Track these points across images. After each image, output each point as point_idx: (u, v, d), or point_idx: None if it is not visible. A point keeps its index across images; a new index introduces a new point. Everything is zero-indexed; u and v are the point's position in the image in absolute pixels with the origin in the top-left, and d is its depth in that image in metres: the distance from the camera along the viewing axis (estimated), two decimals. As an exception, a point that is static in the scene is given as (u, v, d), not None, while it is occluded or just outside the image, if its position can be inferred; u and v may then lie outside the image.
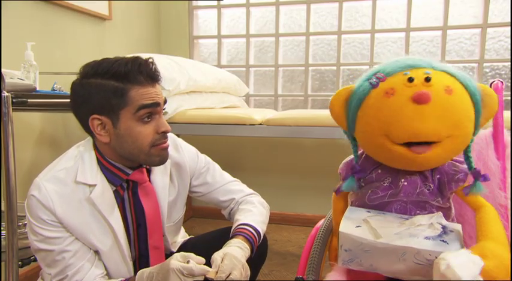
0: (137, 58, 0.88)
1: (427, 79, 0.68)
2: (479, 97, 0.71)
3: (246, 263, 0.89)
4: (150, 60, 0.90)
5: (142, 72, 0.87)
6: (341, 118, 0.80)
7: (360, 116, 0.75)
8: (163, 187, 1.02)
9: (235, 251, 0.88)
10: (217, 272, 0.82)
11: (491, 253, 0.59)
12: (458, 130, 0.69)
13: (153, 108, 0.89)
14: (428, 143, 0.68)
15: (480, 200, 0.74)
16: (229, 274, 0.82)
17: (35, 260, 1.18)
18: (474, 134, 0.74)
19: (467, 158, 0.75)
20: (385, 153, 0.74)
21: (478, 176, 0.72)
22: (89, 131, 0.90)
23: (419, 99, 0.66)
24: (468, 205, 0.75)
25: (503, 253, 0.60)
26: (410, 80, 0.68)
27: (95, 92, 0.85)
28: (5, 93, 1.00)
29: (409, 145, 0.69)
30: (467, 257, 0.56)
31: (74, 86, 0.89)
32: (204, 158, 1.14)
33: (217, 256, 0.86)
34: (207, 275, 0.79)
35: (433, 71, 0.70)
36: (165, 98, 0.94)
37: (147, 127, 0.89)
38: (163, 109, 0.94)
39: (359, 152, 0.85)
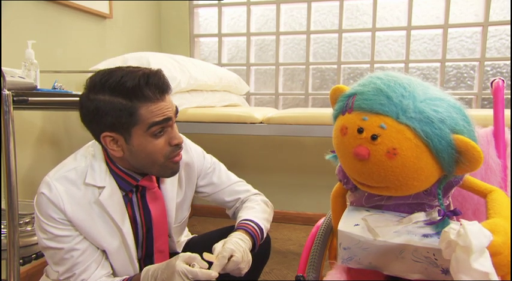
0: (145, 72, 0.84)
1: (373, 137, 0.65)
2: (450, 156, 0.63)
3: (248, 251, 0.89)
4: (159, 72, 0.87)
5: (151, 86, 0.83)
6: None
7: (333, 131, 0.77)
8: (172, 190, 1.02)
9: (236, 239, 0.89)
10: (218, 255, 0.82)
11: (504, 229, 0.59)
12: (396, 186, 0.67)
13: (165, 124, 0.87)
14: None
15: (489, 186, 0.74)
16: (232, 256, 0.83)
17: (36, 258, 1.18)
18: (448, 177, 0.70)
19: (438, 195, 0.71)
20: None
21: (446, 214, 0.69)
22: (101, 143, 0.89)
23: (357, 156, 0.67)
24: (477, 193, 0.75)
25: None
26: (359, 131, 0.67)
27: (105, 109, 0.83)
28: (5, 92, 1.00)
29: None
30: (480, 228, 0.56)
31: (83, 99, 0.86)
32: (210, 159, 1.14)
33: (218, 244, 0.87)
34: (212, 275, 0.80)
35: (392, 124, 0.64)
36: (176, 108, 0.92)
37: (159, 141, 0.87)
38: (176, 116, 0.92)
39: None
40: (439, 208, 0.74)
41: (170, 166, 0.91)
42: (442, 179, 0.70)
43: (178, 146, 0.91)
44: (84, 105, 0.85)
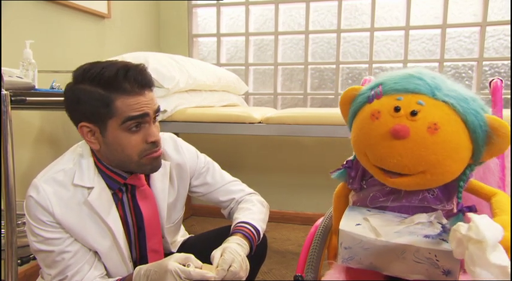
0: (126, 64, 0.85)
1: (413, 113, 0.64)
2: (483, 134, 0.65)
3: (246, 258, 0.89)
4: (141, 66, 0.87)
5: (130, 79, 0.83)
6: (345, 117, 0.81)
7: (353, 126, 0.76)
8: (163, 189, 1.01)
9: (234, 246, 0.89)
10: (217, 267, 0.82)
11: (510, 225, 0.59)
12: (434, 169, 0.66)
13: (141, 119, 0.86)
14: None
15: (493, 189, 0.74)
16: (230, 266, 0.82)
17: (34, 258, 1.18)
18: (474, 165, 0.70)
19: (458, 188, 0.71)
20: (366, 167, 0.75)
21: (463, 210, 0.69)
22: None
23: (396, 135, 0.64)
24: (481, 196, 0.74)
25: None
26: (397, 109, 0.65)
27: (84, 99, 0.83)
28: (3, 92, 1.00)
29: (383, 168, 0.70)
30: (491, 221, 0.54)
31: (66, 90, 0.87)
32: (204, 158, 1.14)
33: (216, 252, 0.86)
34: (207, 275, 0.79)
35: (429, 101, 0.65)
36: (158, 106, 0.91)
37: (135, 137, 0.86)
38: (157, 115, 0.91)
39: None
40: (444, 210, 0.74)
41: (147, 162, 0.89)
42: (465, 170, 0.70)
43: (155, 144, 0.89)
44: (67, 96, 0.87)
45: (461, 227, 0.54)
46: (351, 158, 0.86)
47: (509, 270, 0.50)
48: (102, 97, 0.82)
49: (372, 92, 0.71)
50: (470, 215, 0.56)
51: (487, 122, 0.65)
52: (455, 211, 0.80)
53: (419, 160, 0.64)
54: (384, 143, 0.66)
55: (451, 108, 0.65)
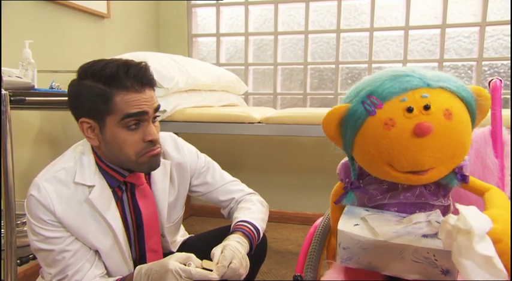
0: (128, 62, 0.85)
1: (426, 107, 0.65)
2: (475, 103, 0.69)
3: (246, 255, 0.89)
4: (143, 64, 0.87)
5: (130, 76, 0.84)
6: (336, 139, 0.77)
7: (357, 143, 0.72)
8: (163, 189, 1.01)
9: (235, 243, 0.89)
10: (217, 263, 0.82)
11: (502, 218, 0.59)
12: (459, 150, 0.68)
13: (140, 117, 0.86)
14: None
15: (486, 184, 0.75)
16: (230, 263, 0.83)
17: (34, 258, 1.18)
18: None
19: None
20: (389, 178, 0.73)
21: (458, 174, 0.73)
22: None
23: (421, 133, 0.64)
24: (475, 193, 0.75)
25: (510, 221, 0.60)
26: (410, 110, 0.65)
27: (84, 94, 0.84)
28: (3, 91, 1.00)
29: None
30: (478, 212, 0.55)
31: (69, 86, 0.88)
32: (204, 158, 1.14)
33: (216, 249, 0.87)
34: (209, 276, 0.79)
35: (429, 92, 0.67)
36: (158, 104, 0.91)
37: (133, 135, 0.87)
38: (157, 116, 0.92)
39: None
40: (441, 206, 0.74)
41: (145, 160, 0.89)
42: None
43: (153, 143, 0.89)
44: (70, 91, 0.88)
45: (451, 218, 0.56)
46: (352, 176, 0.81)
47: (495, 261, 0.51)
48: (102, 93, 0.83)
49: (369, 104, 0.69)
50: (459, 206, 0.56)
51: (472, 92, 0.69)
52: (452, 207, 0.80)
53: (448, 148, 0.66)
54: (412, 145, 0.66)
55: (447, 91, 0.68)
